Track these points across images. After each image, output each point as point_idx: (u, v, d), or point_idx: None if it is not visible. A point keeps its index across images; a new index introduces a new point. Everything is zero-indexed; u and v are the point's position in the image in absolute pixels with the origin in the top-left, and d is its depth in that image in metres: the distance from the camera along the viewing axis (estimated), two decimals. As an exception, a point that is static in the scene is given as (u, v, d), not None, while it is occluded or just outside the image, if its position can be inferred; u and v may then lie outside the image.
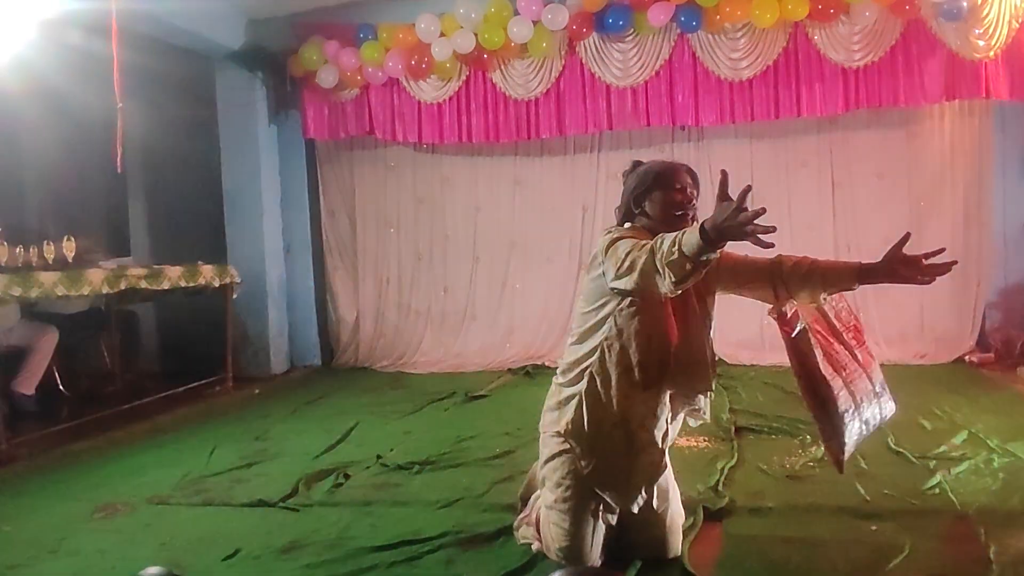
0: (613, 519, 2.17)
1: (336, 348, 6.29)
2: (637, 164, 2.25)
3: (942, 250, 1.89)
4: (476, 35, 5.31)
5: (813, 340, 2.02)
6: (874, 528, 2.39)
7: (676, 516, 2.26)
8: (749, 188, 1.67)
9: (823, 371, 1.99)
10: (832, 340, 2.10)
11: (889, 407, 2.20)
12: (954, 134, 5.29)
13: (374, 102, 5.81)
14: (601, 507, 2.15)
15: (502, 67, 5.53)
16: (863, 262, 1.94)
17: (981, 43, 4.78)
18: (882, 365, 5.69)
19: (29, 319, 4.91)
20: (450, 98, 5.66)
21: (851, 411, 2.02)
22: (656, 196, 2.12)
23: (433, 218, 6.14)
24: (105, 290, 4.27)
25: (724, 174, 1.70)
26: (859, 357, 2.13)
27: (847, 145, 5.44)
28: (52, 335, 4.83)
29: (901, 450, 3.16)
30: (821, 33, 5.01)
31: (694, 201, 2.13)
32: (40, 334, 4.79)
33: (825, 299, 2.02)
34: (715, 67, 5.17)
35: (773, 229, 1.63)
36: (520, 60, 5.48)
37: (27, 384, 4.71)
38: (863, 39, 4.97)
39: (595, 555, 2.14)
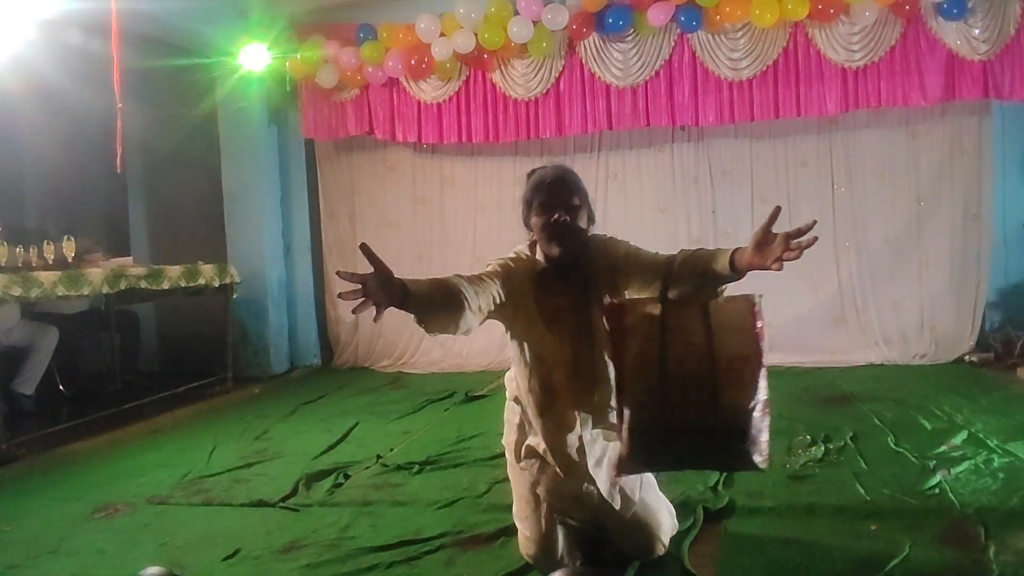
0: (575, 522, 2.18)
1: (336, 348, 6.29)
2: (532, 174, 2.20)
3: (813, 223, 1.68)
4: (476, 35, 5.31)
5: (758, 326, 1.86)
6: (874, 528, 2.39)
7: (648, 515, 2.18)
8: (364, 254, 1.67)
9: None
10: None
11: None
12: (954, 134, 5.28)
13: (374, 102, 5.81)
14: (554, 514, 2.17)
15: (502, 67, 5.53)
16: (738, 248, 1.78)
17: (981, 43, 4.78)
18: (882, 365, 5.65)
19: (29, 319, 4.91)
20: (450, 98, 5.66)
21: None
22: (533, 222, 2.10)
23: (433, 218, 6.14)
24: (105, 290, 4.27)
25: (365, 247, 1.67)
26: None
27: (847, 145, 5.44)
28: (52, 335, 4.83)
29: (901, 450, 3.16)
30: (821, 33, 5.01)
31: (563, 218, 2.03)
32: (40, 334, 4.79)
33: (720, 293, 1.87)
34: (715, 67, 5.18)
35: (374, 309, 1.65)
36: (520, 60, 5.47)
37: (27, 384, 4.71)
38: (863, 39, 4.97)
39: (564, 558, 2.15)
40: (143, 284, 4.54)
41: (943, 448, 3.18)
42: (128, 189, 6.67)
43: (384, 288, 1.67)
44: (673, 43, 5.24)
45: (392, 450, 3.62)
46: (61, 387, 5.23)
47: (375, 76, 5.64)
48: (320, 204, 6.31)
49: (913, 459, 3.04)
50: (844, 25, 4.97)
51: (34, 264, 4.26)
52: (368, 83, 5.72)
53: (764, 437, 1.85)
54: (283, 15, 5.85)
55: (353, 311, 1.66)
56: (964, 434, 3.36)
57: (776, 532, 2.39)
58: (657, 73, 5.28)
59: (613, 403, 1.99)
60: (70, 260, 4.49)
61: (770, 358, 6.01)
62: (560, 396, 2.08)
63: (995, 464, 2.94)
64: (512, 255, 2.16)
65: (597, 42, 5.35)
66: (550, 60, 5.43)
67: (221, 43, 5.68)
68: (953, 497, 2.60)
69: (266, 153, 6.07)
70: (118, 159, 3.87)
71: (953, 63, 4.89)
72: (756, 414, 1.83)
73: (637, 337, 1.87)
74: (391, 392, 5.13)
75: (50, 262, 4.33)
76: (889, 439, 3.32)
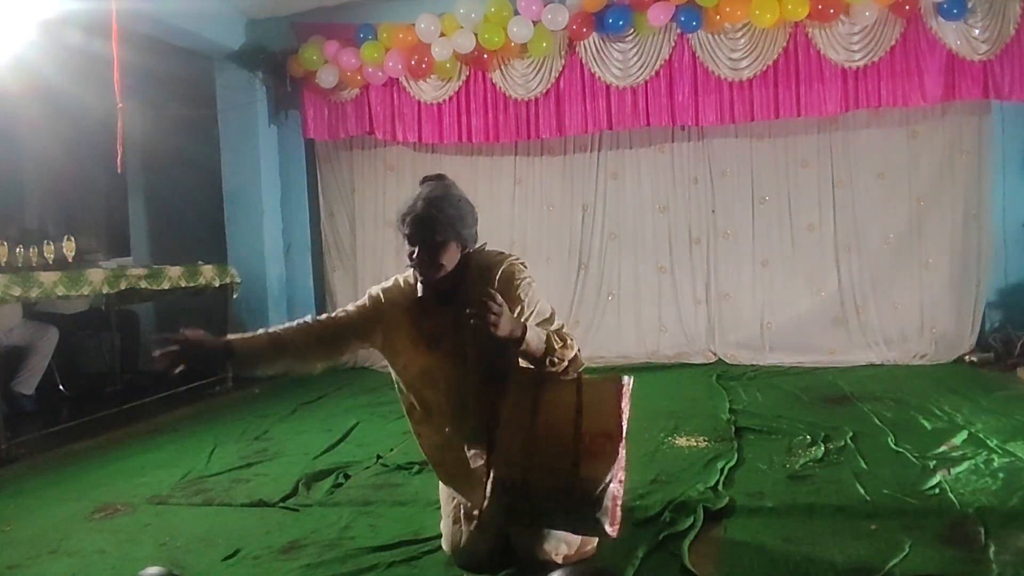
0: (472, 525, 2.20)
1: (336, 348, 6.28)
2: (422, 182, 2.30)
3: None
4: (476, 35, 5.31)
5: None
6: (874, 528, 2.38)
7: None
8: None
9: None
10: None
11: None
12: (954, 134, 5.28)
13: (374, 102, 5.81)
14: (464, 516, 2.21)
15: (502, 67, 5.53)
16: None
17: (981, 43, 4.78)
18: (882, 365, 5.66)
19: (29, 319, 4.91)
20: (450, 98, 5.66)
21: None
22: (405, 248, 2.18)
23: (433, 218, 6.12)
24: (105, 290, 4.27)
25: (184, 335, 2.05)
26: None
27: (847, 145, 5.43)
28: (52, 335, 4.83)
29: (901, 450, 3.16)
30: (821, 33, 5.01)
31: (416, 248, 2.11)
32: (40, 334, 4.79)
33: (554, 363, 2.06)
34: (715, 67, 5.17)
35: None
36: (520, 60, 5.48)
37: (27, 384, 4.71)
38: (863, 39, 4.97)
39: (481, 562, 2.17)
40: (143, 284, 4.54)
41: (943, 448, 3.18)
42: (128, 189, 6.68)
43: (199, 351, 2.03)
44: (673, 43, 5.24)
45: (392, 450, 3.61)
46: (61, 387, 5.23)
47: (375, 76, 5.64)
48: (320, 204, 6.30)
49: (913, 459, 3.03)
50: (844, 25, 4.97)
51: (34, 264, 4.26)
52: (368, 83, 5.72)
53: (617, 505, 1.98)
54: (283, 15, 5.86)
55: (160, 364, 1.97)
56: (964, 434, 3.35)
57: (776, 532, 2.39)
58: (657, 73, 5.28)
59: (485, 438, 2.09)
60: (70, 260, 4.49)
61: (770, 358, 6.03)
62: (434, 415, 2.21)
63: (995, 464, 2.94)
64: (393, 281, 2.27)
65: (597, 42, 5.35)
66: (550, 60, 5.43)
67: (221, 43, 5.69)
68: (953, 497, 2.59)
69: (266, 153, 6.08)
70: (118, 159, 3.87)
71: (953, 63, 4.88)
72: (612, 485, 1.96)
73: (514, 400, 2.03)
74: (391, 392, 5.05)
75: (50, 262, 4.33)
76: (889, 439, 3.32)
